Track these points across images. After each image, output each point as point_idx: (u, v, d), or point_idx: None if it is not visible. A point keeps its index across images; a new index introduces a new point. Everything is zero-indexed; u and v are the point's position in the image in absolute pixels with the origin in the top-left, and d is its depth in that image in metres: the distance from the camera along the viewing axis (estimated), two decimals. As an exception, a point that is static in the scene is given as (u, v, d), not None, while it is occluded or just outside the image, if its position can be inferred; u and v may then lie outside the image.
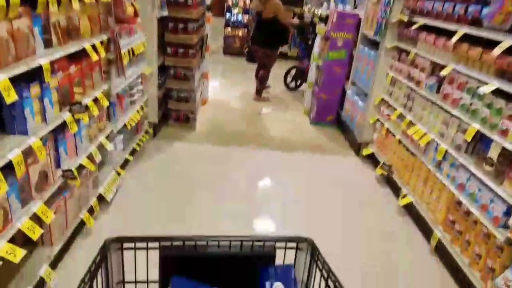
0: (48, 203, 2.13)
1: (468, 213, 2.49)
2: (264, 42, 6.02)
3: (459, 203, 2.59)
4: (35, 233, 1.81)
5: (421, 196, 3.10)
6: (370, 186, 3.81)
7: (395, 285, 2.53)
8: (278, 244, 1.10)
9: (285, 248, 1.11)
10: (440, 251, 2.75)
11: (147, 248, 1.04)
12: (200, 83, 5.23)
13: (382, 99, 4.05)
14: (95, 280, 0.94)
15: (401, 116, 3.60)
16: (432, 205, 2.91)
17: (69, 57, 2.26)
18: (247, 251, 1.07)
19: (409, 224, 3.20)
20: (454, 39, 2.75)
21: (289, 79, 7.03)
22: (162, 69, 4.41)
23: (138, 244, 1.04)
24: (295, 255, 1.14)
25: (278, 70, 7.53)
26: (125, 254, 1.06)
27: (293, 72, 6.97)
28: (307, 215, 3.21)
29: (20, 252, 1.64)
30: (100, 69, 2.77)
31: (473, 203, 2.44)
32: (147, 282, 1.09)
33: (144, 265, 1.06)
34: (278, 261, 1.10)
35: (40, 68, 1.87)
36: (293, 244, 1.12)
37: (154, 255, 1.04)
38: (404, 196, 3.27)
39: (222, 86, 7.13)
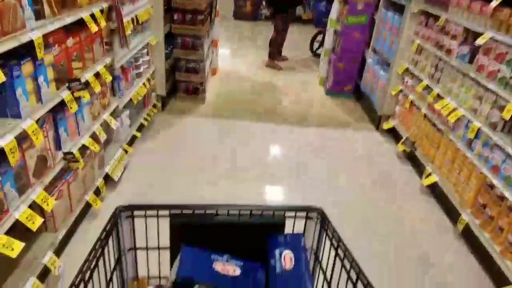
0: (50, 188, 2.03)
1: (502, 197, 2.32)
2: (272, 0, 5.82)
3: (492, 186, 2.41)
4: (35, 223, 1.71)
5: (448, 176, 2.92)
6: (391, 163, 3.64)
7: (415, 270, 2.42)
8: (287, 214, 1.09)
9: (295, 217, 1.10)
10: (468, 235, 2.60)
11: (157, 216, 1.06)
12: (209, 51, 5.00)
13: (406, 69, 3.80)
14: (106, 247, 0.97)
15: (427, 88, 3.37)
16: (460, 187, 2.74)
17: (65, 29, 2.08)
18: (256, 220, 1.08)
19: (433, 205, 3.04)
20: (494, 3, 2.47)
21: (316, 45, 6.74)
22: (169, 38, 4.19)
23: (149, 212, 1.06)
24: (305, 225, 1.13)
25: (301, 36, 7.24)
26: (136, 221, 1.09)
27: (319, 38, 6.67)
28: (320, 192, 3.08)
29: (18, 245, 1.55)
30: (101, 40, 2.59)
31: (509, 187, 2.26)
32: (158, 248, 1.11)
33: (155, 232, 1.09)
34: (288, 231, 1.11)
35: (32, 43, 1.71)
36: (303, 214, 1.11)
37: (165, 222, 1.06)
38: (429, 175, 3.10)
39: (233, 53, 6.87)
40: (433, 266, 2.45)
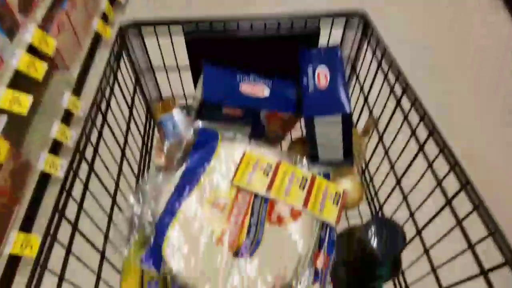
0: (46, 23, 1.79)
1: None
2: None
3: None
4: (38, 70, 1.55)
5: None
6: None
7: (473, 90, 2.20)
8: (322, 23, 0.95)
9: (331, 25, 0.95)
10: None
11: (169, 32, 0.94)
12: None
13: None
14: (119, 72, 0.90)
15: None
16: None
17: None
18: (285, 32, 0.94)
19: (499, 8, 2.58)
20: None
21: None
22: None
23: (161, 29, 0.95)
24: (343, 34, 0.99)
25: None
26: (148, 42, 0.99)
27: None
28: None
29: (26, 99, 1.42)
30: None
31: None
32: (178, 68, 1.03)
33: (171, 52, 0.99)
34: (322, 43, 0.97)
35: None
36: (341, 20, 0.96)
37: (181, 41, 0.96)
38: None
39: None
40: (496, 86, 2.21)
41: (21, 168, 1.55)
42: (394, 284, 0.77)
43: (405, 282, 0.75)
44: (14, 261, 1.44)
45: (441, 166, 0.66)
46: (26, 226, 1.54)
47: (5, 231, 1.45)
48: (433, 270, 0.63)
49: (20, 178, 1.55)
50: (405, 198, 0.75)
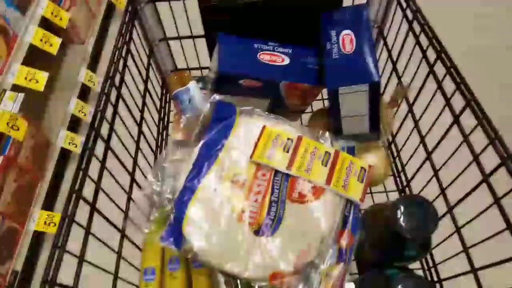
0: (57, -3, 1.76)
1: None
2: None
3: None
4: (53, 45, 1.53)
5: None
6: None
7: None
8: None
9: None
10: None
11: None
12: None
13: None
14: (132, 42, 0.87)
15: None
16: None
17: None
18: None
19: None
20: None
21: None
22: None
23: None
24: None
25: None
26: (160, 10, 0.98)
27: None
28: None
29: (42, 76, 1.42)
30: None
31: None
32: (192, 37, 1.02)
33: (185, 21, 0.98)
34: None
35: None
36: None
37: (195, 8, 0.91)
38: None
39: None
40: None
41: (41, 145, 1.57)
42: (421, 263, 0.75)
43: (433, 261, 0.73)
44: (39, 237, 1.49)
45: (475, 139, 0.61)
46: (49, 203, 1.58)
47: (29, 208, 1.48)
48: (465, 250, 0.61)
49: (41, 155, 1.58)
50: (436, 173, 0.71)
